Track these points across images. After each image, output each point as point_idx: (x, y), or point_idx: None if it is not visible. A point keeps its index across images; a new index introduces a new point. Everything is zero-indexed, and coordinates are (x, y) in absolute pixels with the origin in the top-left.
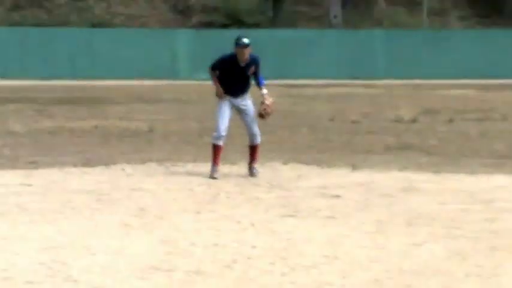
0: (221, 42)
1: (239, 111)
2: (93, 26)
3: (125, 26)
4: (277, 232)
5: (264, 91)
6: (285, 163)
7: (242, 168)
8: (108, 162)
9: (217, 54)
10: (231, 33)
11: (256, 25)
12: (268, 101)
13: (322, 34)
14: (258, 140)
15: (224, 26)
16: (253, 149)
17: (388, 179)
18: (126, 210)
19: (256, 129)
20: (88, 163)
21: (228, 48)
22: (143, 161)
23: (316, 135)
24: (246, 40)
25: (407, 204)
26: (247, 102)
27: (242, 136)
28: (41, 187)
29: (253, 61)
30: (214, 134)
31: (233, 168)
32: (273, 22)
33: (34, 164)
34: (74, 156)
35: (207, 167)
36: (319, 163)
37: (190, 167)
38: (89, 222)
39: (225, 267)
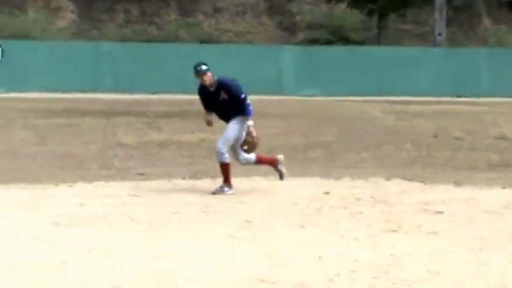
0: (326, 58)
1: None
2: (202, 41)
3: (232, 42)
4: (380, 247)
5: (250, 122)
6: (388, 178)
7: (344, 182)
8: (214, 175)
9: (322, 70)
10: (336, 50)
11: (361, 42)
12: (255, 133)
13: (427, 52)
14: (218, 157)
15: (329, 42)
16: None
17: (491, 196)
18: (232, 222)
19: (219, 146)
20: (195, 175)
21: (332, 65)
22: (248, 175)
23: (419, 151)
24: (201, 67)
25: (511, 221)
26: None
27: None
28: (149, 198)
29: (222, 86)
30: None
31: (336, 183)
32: (378, 39)
33: (143, 176)
34: (182, 169)
35: (311, 181)
36: (422, 179)
37: (294, 181)
38: (196, 233)
39: (329, 280)
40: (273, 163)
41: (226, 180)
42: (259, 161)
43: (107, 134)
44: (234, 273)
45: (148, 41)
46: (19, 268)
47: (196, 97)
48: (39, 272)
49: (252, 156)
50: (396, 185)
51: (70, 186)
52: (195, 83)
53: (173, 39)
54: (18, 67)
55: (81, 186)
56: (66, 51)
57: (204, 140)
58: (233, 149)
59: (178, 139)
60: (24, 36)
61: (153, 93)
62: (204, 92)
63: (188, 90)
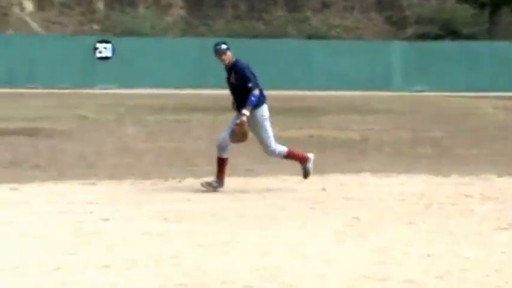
0: (435, 53)
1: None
2: (310, 37)
3: (340, 37)
4: (491, 244)
5: (244, 111)
6: (499, 175)
7: (453, 179)
8: (322, 171)
9: (431, 65)
10: (446, 45)
11: (472, 37)
12: (245, 126)
13: None
14: (278, 156)
15: (439, 37)
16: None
17: None
18: (340, 218)
19: (269, 149)
20: (303, 172)
21: (442, 60)
22: (357, 171)
23: None
24: (221, 46)
25: None
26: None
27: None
28: (257, 194)
29: (234, 68)
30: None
31: (446, 180)
32: (489, 33)
33: (251, 172)
34: (290, 165)
35: (420, 177)
36: None
37: (403, 177)
38: (304, 229)
39: (438, 278)
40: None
41: (302, 159)
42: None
43: (214, 130)
44: (342, 270)
45: (256, 36)
46: (135, 263)
47: (305, 93)
48: (153, 266)
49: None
50: (508, 182)
51: (179, 181)
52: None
53: (281, 35)
54: (128, 64)
55: (190, 182)
56: (175, 48)
57: (312, 136)
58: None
59: (286, 135)
60: (134, 33)
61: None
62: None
63: (296, 86)
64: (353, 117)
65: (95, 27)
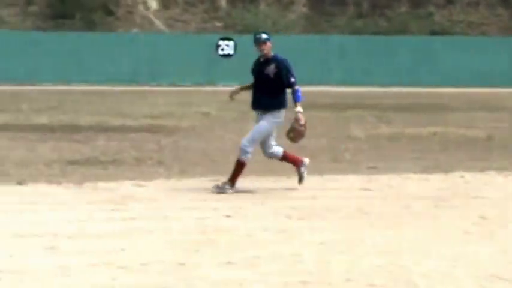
0: None
1: None
2: (433, 33)
3: (465, 33)
4: None
5: (298, 108)
6: None
7: None
8: (446, 169)
9: None
10: None
11: None
12: (302, 121)
13: None
14: (240, 154)
15: None
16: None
17: None
18: (466, 217)
19: (245, 143)
20: (426, 169)
21: None
22: (482, 169)
23: None
24: (261, 35)
25: None
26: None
27: None
28: (380, 192)
29: (275, 61)
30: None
31: None
32: None
33: (374, 169)
34: (413, 163)
35: None
36: None
37: None
38: (429, 228)
39: None
40: (297, 164)
41: (233, 179)
42: (284, 158)
43: (337, 127)
44: (469, 270)
45: (379, 33)
46: (258, 260)
47: (428, 90)
48: (277, 263)
49: (279, 150)
50: None
51: None
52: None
53: (403, 31)
54: (250, 61)
55: (312, 178)
56: (296, 45)
57: (435, 134)
58: (262, 141)
59: (410, 132)
60: (256, 30)
61: (383, 86)
62: (255, 64)
63: (420, 83)
64: (478, 115)
65: (218, 24)
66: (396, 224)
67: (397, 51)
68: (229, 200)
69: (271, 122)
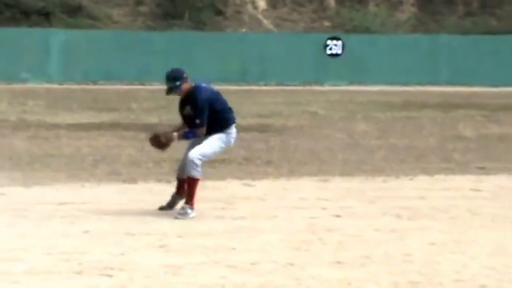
0: None
1: None
2: None
3: None
4: None
5: (175, 134)
6: None
7: None
8: None
9: None
10: None
11: None
12: (171, 142)
13: None
14: (189, 169)
15: None
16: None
17: None
18: None
19: (196, 155)
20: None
21: None
22: None
23: None
24: (172, 84)
25: None
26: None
27: None
28: (490, 192)
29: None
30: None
31: None
32: None
33: (483, 170)
34: None
35: None
36: None
37: None
38: None
39: None
40: (189, 198)
41: (190, 200)
42: (189, 185)
43: (445, 127)
44: None
45: (488, 32)
46: (368, 259)
47: None
48: (386, 263)
49: (198, 173)
50: None
51: (411, 179)
52: None
53: None
54: (358, 60)
55: (421, 179)
56: (405, 44)
57: None
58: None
59: None
60: (364, 30)
61: (492, 86)
62: (179, 104)
63: None
64: None
65: (326, 24)
66: (507, 226)
67: (506, 50)
68: (338, 199)
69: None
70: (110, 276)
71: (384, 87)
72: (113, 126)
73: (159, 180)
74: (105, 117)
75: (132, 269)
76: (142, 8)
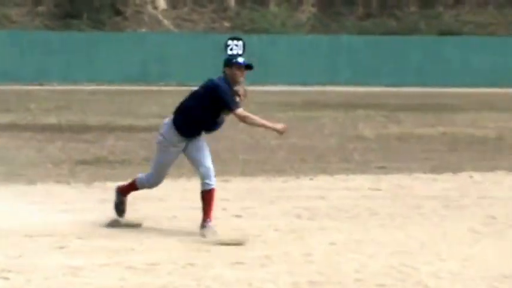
0: None
1: None
2: (442, 34)
3: (473, 34)
4: None
5: None
6: None
7: None
8: (455, 169)
9: None
10: None
11: None
12: None
13: None
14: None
15: None
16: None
17: None
18: (475, 217)
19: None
20: (435, 169)
21: None
22: (491, 169)
23: None
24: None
25: None
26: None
27: None
28: (389, 192)
29: None
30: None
31: None
32: None
33: (383, 169)
34: (422, 163)
35: None
36: None
37: None
38: (438, 228)
39: None
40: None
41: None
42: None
43: (345, 127)
44: (478, 269)
45: (387, 33)
46: (268, 259)
47: (438, 90)
48: (286, 263)
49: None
50: None
51: (311, 179)
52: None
53: (412, 31)
54: (259, 61)
55: (321, 178)
56: (305, 45)
57: (445, 133)
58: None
59: (419, 133)
60: (265, 30)
61: (392, 85)
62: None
63: (429, 83)
64: (487, 115)
65: (226, 24)
66: (406, 224)
67: (405, 51)
68: (239, 200)
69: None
70: (7, 279)
71: (285, 87)
72: (11, 127)
73: (58, 182)
74: (2, 118)
75: (30, 271)
76: (41, 8)
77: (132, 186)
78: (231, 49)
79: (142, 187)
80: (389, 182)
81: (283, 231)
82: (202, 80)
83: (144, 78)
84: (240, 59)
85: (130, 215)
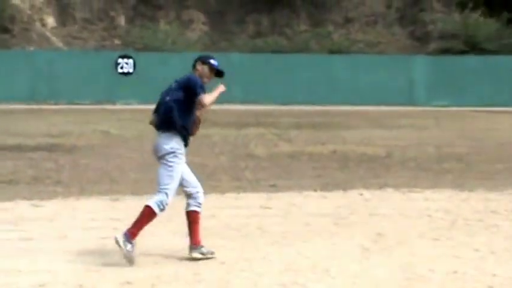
0: (459, 69)
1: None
2: (332, 52)
3: (363, 52)
4: None
5: None
6: None
7: (479, 194)
8: (346, 186)
9: (455, 80)
10: (470, 60)
11: (496, 52)
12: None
13: None
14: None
15: (462, 52)
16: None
17: None
18: (365, 234)
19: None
20: (326, 187)
21: (466, 75)
22: (380, 186)
23: None
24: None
25: None
26: None
27: None
28: (280, 210)
29: None
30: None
31: (471, 195)
32: None
33: (274, 187)
34: (313, 180)
35: (445, 193)
36: None
37: (428, 193)
38: (328, 245)
39: None
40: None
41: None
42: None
43: (237, 145)
44: (368, 286)
45: (278, 52)
46: (158, 279)
47: (328, 108)
48: (176, 282)
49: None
50: None
51: None
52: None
53: (303, 50)
54: (150, 79)
55: (212, 197)
56: None
57: (335, 151)
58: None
59: (310, 150)
60: (156, 48)
61: (283, 104)
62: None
63: (319, 101)
64: (377, 133)
65: (117, 42)
66: (296, 242)
67: (296, 69)
68: (130, 219)
69: None
70: None
71: None
72: None
73: None
74: None
75: None
76: None
77: (148, 219)
78: (121, 67)
79: (161, 212)
80: (281, 200)
81: (173, 251)
82: (92, 98)
83: (33, 97)
84: (215, 62)
85: (18, 234)
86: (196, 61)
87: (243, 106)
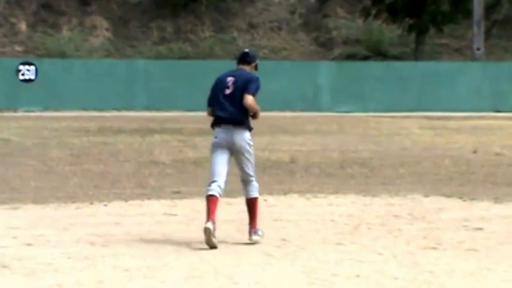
0: (363, 74)
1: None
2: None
3: (267, 58)
4: (419, 264)
5: None
6: (426, 195)
7: (382, 199)
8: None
9: (359, 86)
10: (373, 66)
11: (398, 57)
12: None
13: (465, 66)
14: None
15: (366, 58)
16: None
17: None
18: (268, 240)
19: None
20: (231, 193)
21: (369, 81)
22: (285, 192)
23: (458, 167)
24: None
25: None
26: None
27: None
28: (185, 216)
29: None
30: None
31: (374, 200)
32: (415, 54)
33: (179, 194)
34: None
35: (349, 198)
36: (461, 195)
37: (331, 198)
38: (231, 251)
39: None
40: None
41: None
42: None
43: (141, 152)
44: None
45: (183, 58)
46: None
47: None
48: None
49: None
50: (435, 202)
51: (105, 205)
52: None
53: (208, 56)
54: (53, 86)
55: (116, 204)
56: (101, 69)
57: None
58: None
59: None
60: (58, 55)
61: (188, 110)
62: None
63: None
64: (281, 138)
65: (18, 48)
66: (200, 249)
67: (201, 75)
68: (30, 228)
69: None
70: None
71: (80, 112)
72: None
73: None
74: None
75: None
76: None
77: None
78: (22, 74)
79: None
80: (185, 206)
81: (75, 259)
82: None
83: None
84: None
85: None
86: (255, 58)
87: (148, 113)
